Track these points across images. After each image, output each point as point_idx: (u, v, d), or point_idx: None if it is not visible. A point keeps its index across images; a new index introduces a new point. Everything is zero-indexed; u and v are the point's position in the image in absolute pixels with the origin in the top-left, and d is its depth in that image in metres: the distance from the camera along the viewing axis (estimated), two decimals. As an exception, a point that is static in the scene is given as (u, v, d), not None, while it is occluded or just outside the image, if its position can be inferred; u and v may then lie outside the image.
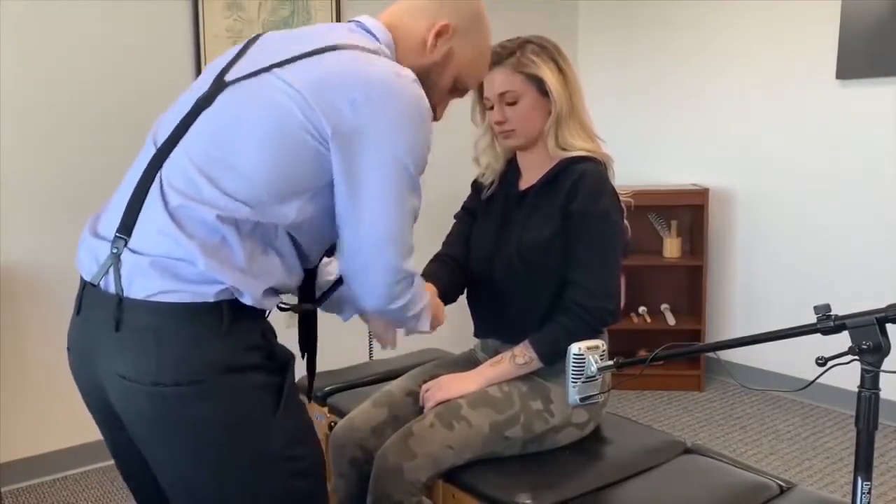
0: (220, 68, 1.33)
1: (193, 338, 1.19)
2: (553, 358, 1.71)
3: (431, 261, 1.97)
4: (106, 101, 2.90)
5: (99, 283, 1.24)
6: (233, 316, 1.20)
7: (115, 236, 1.23)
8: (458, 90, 1.47)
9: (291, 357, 1.30)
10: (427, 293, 1.50)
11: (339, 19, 3.40)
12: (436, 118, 1.41)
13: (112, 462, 1.46)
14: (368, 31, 1.35)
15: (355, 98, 1.20)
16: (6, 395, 2.79)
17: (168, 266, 1.18)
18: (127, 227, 1.23)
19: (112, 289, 1.22)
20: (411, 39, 1.37)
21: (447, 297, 1.89)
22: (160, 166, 1.25)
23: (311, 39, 1.29)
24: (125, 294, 1.20)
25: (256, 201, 1.21)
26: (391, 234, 1.27)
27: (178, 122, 1.28)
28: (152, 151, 1.28)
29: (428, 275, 1.90)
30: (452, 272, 1.93)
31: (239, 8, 3.17)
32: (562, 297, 1.73)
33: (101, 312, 1.23)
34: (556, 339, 1.69)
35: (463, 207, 2.02)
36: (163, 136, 1.29)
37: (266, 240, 1.24)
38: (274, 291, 1.28)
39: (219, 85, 1.29)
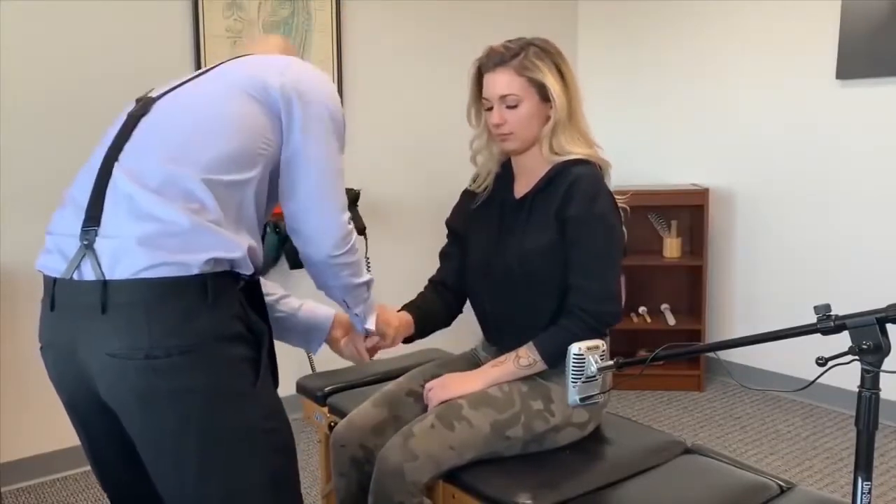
0: (132, 105, 1.48)
1: (183, 309, 1.25)
2: (557, 360, 1.70)
3: (425, 287, 1.99)
4: (106, 102, 2.88)
5: (72, 276, 1.28)
6: (216, 286, 1.27)
7: (84, 229, 1.29)
8: None
9: (266, 329, 1.37)
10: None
11: (339, 20, 3.41)
12: None
13: (94, 470, 1.48)
14: None
15: (281, 72, 1.42)
16: (6, 395, 2.79)
17: (153, 240, 1.25)
18: (94, 218, 1.29)
19: (91, 276, 1.26)
20: None
21: (437, 324, 1.93)
22: (112, 166, 1.33)
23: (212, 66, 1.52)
24: (108, 277, 1.25)
25: (225, 167, 1.32)
26: (330, 181, 1.44)
27: (116, 133, 1.39)
28: (100, 160, 1.36)
29: (412, 305, 1.92)
30: (442, 298, 1.95)
31: (239, 8, 3.17)
32: (565, 302, 1.73)
33: (81, 301, 1.27)
34: (560, 341, 1.68)
35: (448, 229, 2.00)
36: (105, 147, 1.38)
37: (237, 205, 1.34)
38: (252, 252, 1.35)
39: (148, 101, 1.42)
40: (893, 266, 3.26)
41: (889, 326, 1.12)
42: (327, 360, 1.89)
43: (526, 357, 1.73)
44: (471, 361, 1.94)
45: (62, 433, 2.91)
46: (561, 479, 1.66)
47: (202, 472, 1.30)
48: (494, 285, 1.83)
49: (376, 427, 1.79)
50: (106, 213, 1.29)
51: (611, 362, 1.43)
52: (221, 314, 1.29)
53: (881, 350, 1.11)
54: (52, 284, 1.33)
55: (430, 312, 1.92)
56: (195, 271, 1.25)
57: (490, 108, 1.78)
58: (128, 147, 1.35)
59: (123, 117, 1.43)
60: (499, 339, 1.88)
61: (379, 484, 1.64)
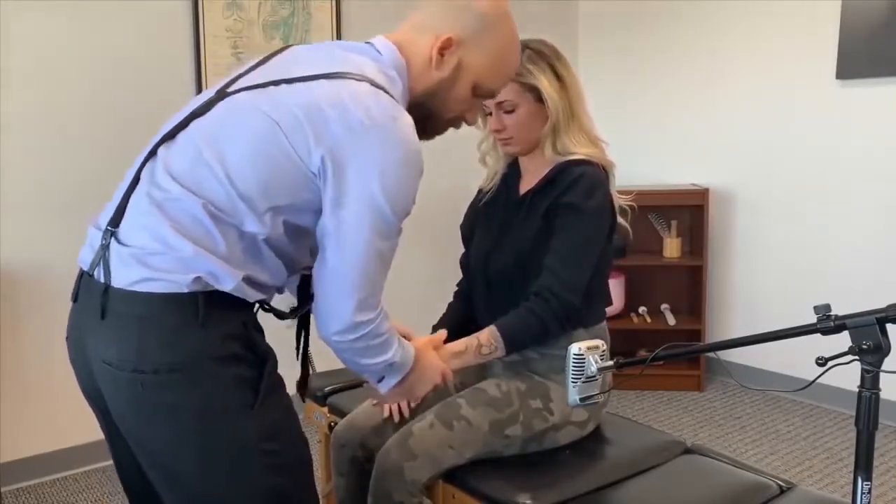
0: (234, 74, 1.36)
1: (172, 326, 1.22)
2: (518, 347, 1.71)
3: (452, 299, 2.00)
4: (105, 101, 2.91)
5: (93, 273, 1.28)
6: (209, 305, 1.23)
7: (106, 228, 1.28)
8: (482, 95, 1.44)
9: (270, 352, 1.32)
10: (409, 353, 1.46)
11: (338, 19, 3.41)
12: (469, 123, 1.49)
13: (112, 462, 1.47)
14: (378, 53, 1.35)
15: (353, 127, 1.21)
16: (6, 395, 2.79)
17: (144, 257, 1.22)
18: (116, 219, 1.28)
19: (101, 278, 1.26)
20: (420, 56, 1.36)
21: (466, 334, 1.81)
22: (142, 169, 1.30)
23: (325, 61, 1.30)
24: (111, 283, 1.24)
25: (238, 206, 1.24)
26: (349, 277, 1.27)
27: (170, 128, 1.33)
28: (144, 154, 1.33)
29: (440, 326, 1.88)
30: (467, 307, 1.94)
31: (239, 8, 3.17)
32: (533, 283, 1.70)
33: (91, 301, 1.27)
34: (525, 328, 1.68)
35: (462, 236, 2.00)
36: (155, 139, 1.33)
37: (248, 238, 1.27)
38: (258, 285, 1.30)
39: (220, 94, 1.32)
40: (893, 266, 3.26)
41: (889, 326, 1.12)
42: (327, 360, 1.89)
43: (489, 345, 1.68)
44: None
45: (62, 433, 2.92)
46: (561, 479, 1.66)
47: (196, 486, 1.29)
48: (491, 281, 1.83)
49: (376, 427, 1.79)
50: (125, 217, 1.28)
51: (611, 362, 1.43)
52: (212, 334, 1.24)
53: (881, 350, 1.11)
54: (80, 276, 1.33)
55: (457, 328, 1.84)
56: (185, 289, 1.21)
57: (490, 114, 1.78)
58: (167, 148, 1.29)
59: (195, 104, 1.33)
60: None
61: (379, 483, 1.64)
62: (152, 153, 1.31)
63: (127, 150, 1.42)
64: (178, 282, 1.21)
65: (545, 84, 1.71)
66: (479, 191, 1.97)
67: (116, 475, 1.47)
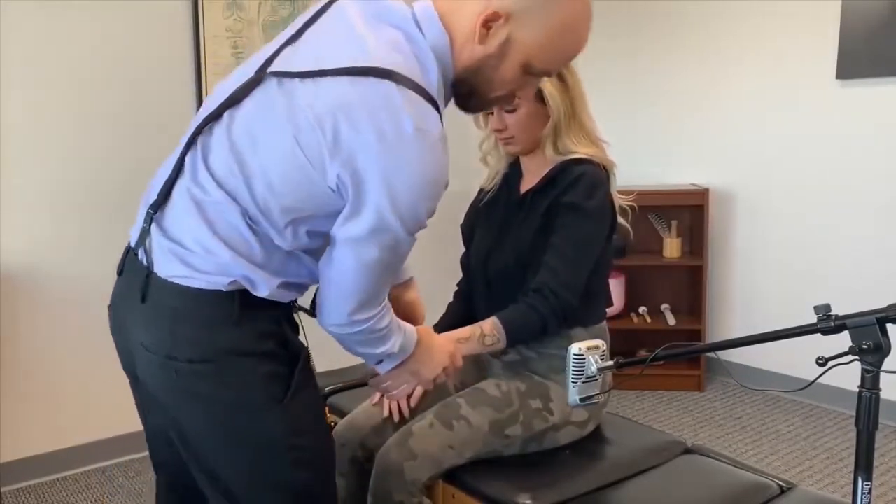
0: (282, 40, 1.28)
1: (207, 321, 1.24)
2: (518, 342, 1.73)
3: (452, 299, 2.00)
4: (105, 101, 2.91)
5: (137, 252, 1.30)
6: (246, 305, 1.24)
7: (148, 211, 1.28)
8: (535, 74, 1.28)
9: (303, 348, 1.33)
10: (409, 341, 1.45)
11: (339, 19, 3.40)
12: (521, 98, 1.58)
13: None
14: (418, 28, 1.22)
15: (367, 142, 1.13)
16: (6, 395, 2.79)
17: (184, 255, 1.23)
18: (158, 205, 1.28)
19: (144, 261, 1.27)
20: (463, 28, 1.22)
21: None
22: (185, 157, 1.27)
23: (359, 41, 1.19)
24: (153, 269, 1.25)
25: (260, 217, 1.22)
26: (351, 283, 1.26)
27: (210, 111, 1.26)
28: (186, 139, 1.28)
29: (437, 328, 1.88)
30: (467, 308, 1.94)
31: (239, 8, 3.17)
32: (532, 279, 1.70)
33: (134, 280, 1.28)
34: (525, 324, 1.68)
35: (462, 235, 2.00)
36: (195, 122, 1.28)
37: (280, 248, 1.26)
38: (295, 286, 1.31)
39: (259, 75, 1.23)
40: (893, 266, 3.26)
41: (889, 326, 1.12)
42: (327, 359, 1.89)
43: (491, 336, 1.68)
44: (475, 359, 1.93)
45: (62, 433, 2.92)
46: (561, 479, 1.66)
47: (224, 470, 1.31)
48: (492, 282, 1.83)
49: (376, 427, 1.79)
50: (167, 206, 1.27)
51: (611, 362, 1.43)
52: (246, 331, 1.24)
53: (881, 350, 1.11)
54: (126, 251, 1.35)
55: (457, 328, 1.81)
56: (224, 288, 1.22)
57: (491, 113, 1.78)
58: (205, 142, 1.25)
59: (237, 82, 1.25)
60: None
61: (378, 483, 1.64)
62: (192, 142, 1.26)
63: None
64: (216, 282, 1.22)
65: (547, 84, 1.71)
66: (480, 190, 1.97)
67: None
